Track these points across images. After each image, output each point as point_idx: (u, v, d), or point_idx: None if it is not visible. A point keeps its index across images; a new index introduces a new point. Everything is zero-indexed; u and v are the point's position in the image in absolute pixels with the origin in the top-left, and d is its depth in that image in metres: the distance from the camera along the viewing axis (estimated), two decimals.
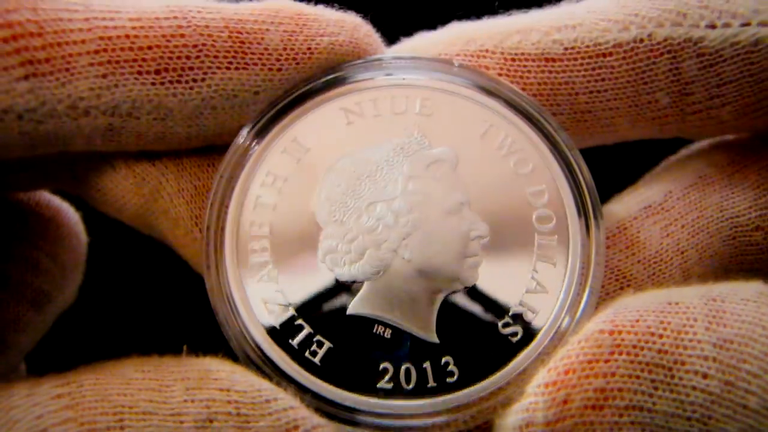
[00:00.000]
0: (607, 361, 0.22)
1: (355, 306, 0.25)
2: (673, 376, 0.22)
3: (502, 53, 0.28)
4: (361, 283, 0.26)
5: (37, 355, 0.32)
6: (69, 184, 0.29)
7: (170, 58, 0.25)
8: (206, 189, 0.28)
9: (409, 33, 0.30)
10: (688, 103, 0.28)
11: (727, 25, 0.27)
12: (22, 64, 0.23)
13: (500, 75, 0.28)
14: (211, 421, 0.22)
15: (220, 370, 0.24)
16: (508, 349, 0.25)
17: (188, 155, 0.28)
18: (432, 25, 0.30)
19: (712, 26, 0.27)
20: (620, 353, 0.22)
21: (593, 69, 0.27)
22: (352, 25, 0.28)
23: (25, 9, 0.24)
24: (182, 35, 0.25)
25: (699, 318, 0.23)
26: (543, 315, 0.25)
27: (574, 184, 0.26)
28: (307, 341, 0.25)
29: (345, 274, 0.26)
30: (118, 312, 0.43)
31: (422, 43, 0.29)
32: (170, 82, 0.25)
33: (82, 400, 0.22)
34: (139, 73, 0.25)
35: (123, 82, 0.25)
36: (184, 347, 0.25)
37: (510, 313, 0.25)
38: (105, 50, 0.24)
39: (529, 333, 0.25)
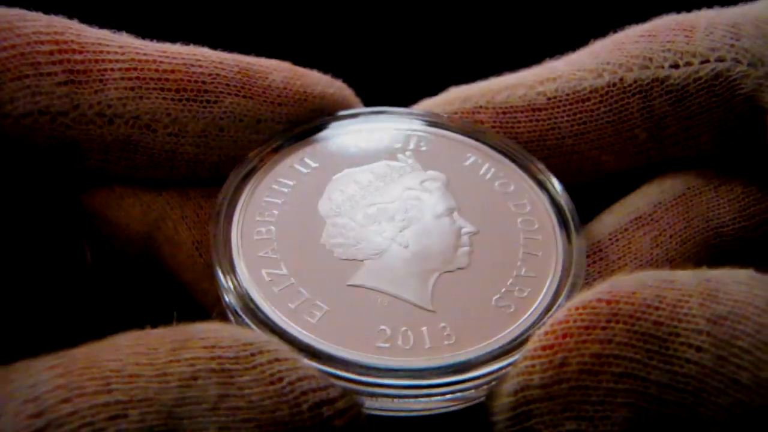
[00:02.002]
0: (604, 329, 0.23)
1: (354, 279, 0.27)
2: (668, 348, 0.22)
3: (494, 108, 0.31)
4: (362, 260, 0.27)
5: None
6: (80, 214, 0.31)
7: (189, 81, 0.29)
8: (208, 217, 0.30)
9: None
10: (665, 135, 0.30)
11: (688, 64, 0.30)
12: (64, 72, 0.27)
13: (494, 127, 0.31)
14: (195, 379, 0.22)
15: (207, 329, 0.23)
16: (503, 319, 0.26)
17: (193, 187, 0.30)
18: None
19: (676, 66, 0.30)
20: (617, 322, 0.23)
21: (575, 114, 0.30)
22: (340, 85, 0.32)
23: (70, 32, 0.28)
24: (200, 65, 0.29)
25: (694, 294, 0.23)
26: (534, 293, 0.27)
27: (551, 199, 0.30)
28: (305, 305, 0.26)
29: (345, 253, 0.27)
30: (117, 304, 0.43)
31: (424, 105, 0.33)
32: (187, 100, 0.29)
33: (73, 368, 0.22)
34: (162, 89, 0.28)
35: (147, 95, 0.28)
36: (174, 314, 0.25)
37: (503, 290, 0.27)
38: (135, 69, 0.28)
39: (523, 306, 0.26)
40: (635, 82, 0.30)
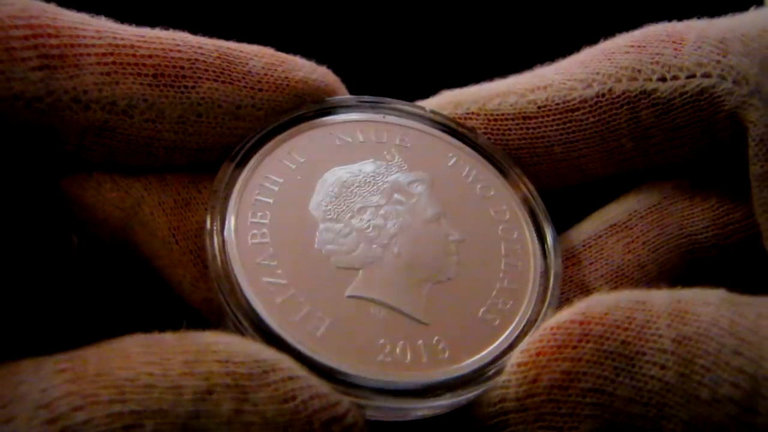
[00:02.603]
0: (575, 348, 0.24)
1: (352, 289, 0.27)
2: (633, 365, 0.24)
3: (485, 114, 0.32)
4: (357, 269, 0.28)
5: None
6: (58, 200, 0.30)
7: (166, 66, 0.28)
8: (185, 203, 0.29)
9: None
10: (650, 145, 0.31)
11: (675, 78, 0.30)
12: (39, 57, 0.26)
13: (485, 133, 0.32)
14: (210, 393, 0.22)
15: (218, 342, 0.24)
16: (489, 332, 0.27)
17: (171, 171, 0.30)
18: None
19: (663, 79, 0.30)
20: (587, 341, 0.24)
21: (564, 123, 0.31)
22: (324, 71, 0.31)
23: (46, 17, 0.27)
24: (179, 50, 0.29)
25: (663, 316, 0.25)
26: (516, 305, 0.28)
27: (527, 206, 0.31)
28: (307, 317, 0.26)
29: (341, 261, 0.28)
30: (113, 302, 0.43)
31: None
32: (164, 85, 0.28)
33: (84, 374, 0.22)
34: (138, 74, 0.28)
35: (123, 80, 0.27)
36: (184, 323, 0.25)
37: (488, 302, 0.28)
38: (111, 54, 0.27)
39: (506, 319, 0.28)
40: (624, 93, 0.31)
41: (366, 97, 0.32)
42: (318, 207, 0.29)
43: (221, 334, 0.24)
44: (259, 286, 0.26)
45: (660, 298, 0.26)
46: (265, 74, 0.30)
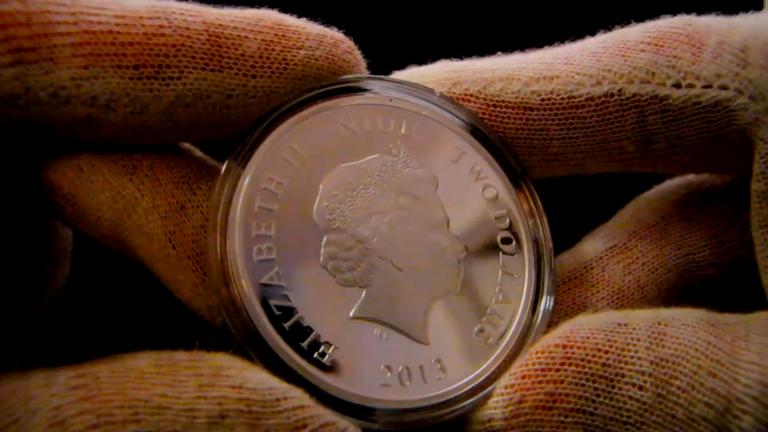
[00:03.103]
0: (558, 370, 0.26)
1: (356, 311, 0.28)
2: (613, 387, 0.26)
3: (485, 99, 0.30)
4: (362, 288, 0.28)
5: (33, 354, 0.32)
6: (48, 202, 0.29)
7: (149, 55, 0.26)
8: (180, 206, 0.28)
9: (398, 60, 0.33)
10: (652, 150, 0.31)
11: (690, 86, 0.29)
12: (10, 51, 0.24)
13: (482, 118, 0.31)
14: (223, 418, 0.23)
15: (231, 367, 0.25)
16: (483, 350, 0.29)
17: (164, 172, 0.29)
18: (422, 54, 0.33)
19: (677, 86, 0.29)
20: (570, 364, 0.26)
21: (566, 119, 0.30)
22: (332, 41, 0.29)
23: (14, 0, 0.25)
24: (162, 34, 0.26)
25: (642, 338, 0.26)
26: (508, 322, 0.29)
27: (528, 211, 0.30)
28: (315, 343, 0.26)
29: (346, 278, 0.28)
30: (109, 306, 0.44)
31: (413, 76, 0.32)
32: (147, 77, 0.26)
33: (98, 393, 0.23)
34: (119, 66, 0.26)
35: (102, 74, 0.26)
36: (196, 343, 0.26)
37: (483, 319, 0.29)
38: (88, 43, 0.25)
39: (499, 337, 0.29)
40: (634, 95, 0.29)
41: (372, 77, 0.30)
42: (322, 214, 0.28)
43: (233, 359, 0.25)
44: (267, 311, 0.26)
45: (641, 319, 0.27)
46: (261, 56, 0.27)
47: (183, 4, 0.28)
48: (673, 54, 0.29)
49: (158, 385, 0.23)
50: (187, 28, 0.27)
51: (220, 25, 0.27)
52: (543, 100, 0.30)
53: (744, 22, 0.30)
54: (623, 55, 0.30)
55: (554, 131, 0.30)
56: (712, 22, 0.30)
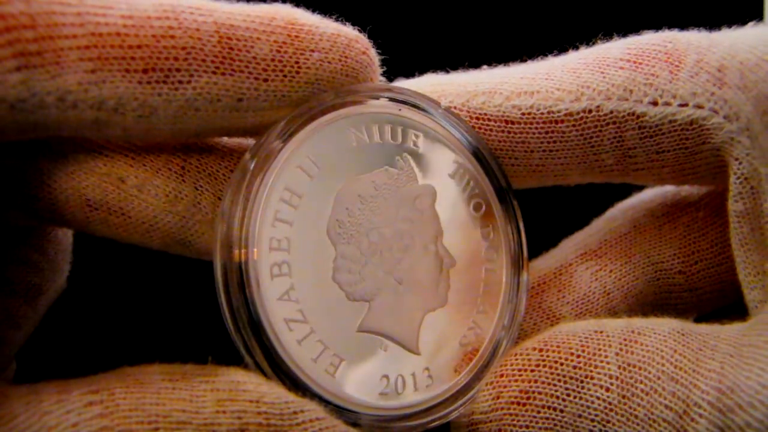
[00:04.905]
0: (532, 371, 0.29)
1: (362, 324, 0.29)
2: (582, 387, 0.28)
3: (468, 111, 0.31)
4: (367, 301, 0.29)
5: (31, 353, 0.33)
6: (82, 217, 0.29)
7: (158, 59, 0.25)
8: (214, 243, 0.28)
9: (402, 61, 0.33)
10: (631, 163, 0.32)
11: (667, 104, 0.30)
12: (15, 56, 0.24)
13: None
14: (243, 431, 0.24)
15: (248, 382, 0.25)
16: (465, 358, 0.31)
17: (213, 164, 0.29)
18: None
19: (654, 103, 0.30)
20: (544, 366, 0.29)
21: (546, 133, 0.31)
22: (346, 41, 0.28)
23: (18, 1, 0.24)
24: (172, 36, 0.25)
25: (614, 344, 0.29)
26: (485, 331, 0.31)
27: (510, 229, 0.32)
28: (324, 357, 0.28)
29: (353, 293, 0.29)
30: (107, 310, 0.44)
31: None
32: (156, 81, 0.25)
33: (116, 409, 0.23)
34: (127, 71, 0.25)
35: (110, 78, 0.25)
36: (209, 358, 0.26)
37: (466, 329, 0.31)
38: (95, 46, 0.25)
39: (478, 344, 0.31)
40: (611, 112, 0.30)
41: (383, 86, 0.31)
42: (333, 227, 0.29)
43: (248, 374, 0.26)
44: (280, 326, 0.27)
45: (615, 327, 0.29)
46: (272, 59, 0.27)
47: (193, 1, 0.27)
48: (651, 72, 0.30)
49: (176, 400, 0.24)
50: (198, 29, 0.26)
51: (232, 25, 0.26)
52: (523, 114, 0.31)
53: (724, 40, 0.31)
54: (602, 72, 0.30)
55: (535, 144, 0.31)
56: (692, 39, 0.31)
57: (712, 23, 0.33)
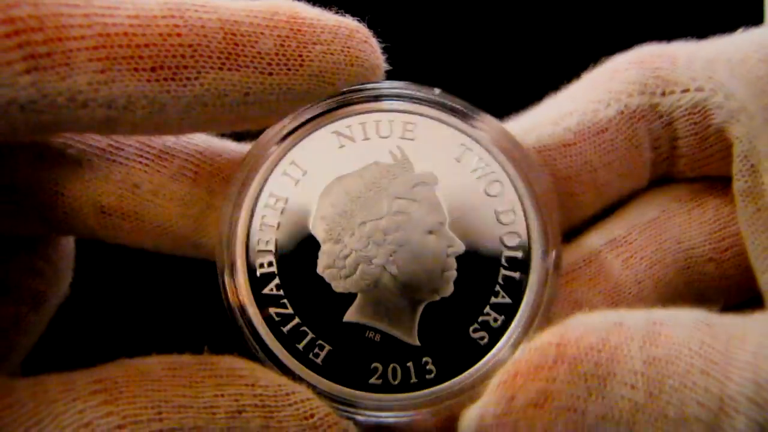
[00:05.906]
0: (550, 369, 0.26)
1: (349, 315, 0.29)
2: (605, 386, 0.26)
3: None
4: (355, 294, 0.29)
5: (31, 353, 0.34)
6: (94, 224, 0.31)
7: (166, 57, 0.26)
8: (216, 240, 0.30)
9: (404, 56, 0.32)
10: (659, 154, 0.33)
11: (671, 92, 0.31)
12: (24, 58, 0.24)
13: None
14: (240, 413, 0.26)
15: (243, 368, 0.27)
16: (477, 351, 0.29)
17: (227, 167, 0.30)
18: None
19: (663, 93, 0.32)
20: (562, 363, 0.26)
21: (599, 145, 0.32)
22: (347, 32, 0.29)
23: (26, 4, 0.24)
24: (178, 34, 0.26)
25: (636, 338, 0.26)
26: (506, 321, 0.29)
27: (537, 207, 0.30)
28: (310, 345, 0.29)
29: (340, 286, 0.29)
30: (107, 309, 0.45)
31: None
32: (165, 79, 0.26)
33: (120, 396, 0.25)
34: (136, 69, 0.26)
35: (120, 77, 0.25)
36: (205, 347, 0.28)
37: (479, 320, 0.29)
38: (104, 46, 0.25)
39: (494, 337, 0.29)
40: (638, 107, 0.32)
41: (372, 84, 0.30)
42: (319, 225, 0.29)
43: (241, 360, 0.28)
44: (268, 318, 0.29)
45: (636, 319, 0.27)
46: (277, 53, 0.27)
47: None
48: (655, 66, 0.32)
49: (177, 386, 0.25)
50: (203, 27, 0.26)
51: (236, 22, 0.27)
52: (575, 133, 0.32)
53: (710, 46, 0.32)
54: (614, 77, 0.32)
55: (595, 161, 0.32)
56: (680, 44, 0.33)
57: (712, 24, 0.34)
